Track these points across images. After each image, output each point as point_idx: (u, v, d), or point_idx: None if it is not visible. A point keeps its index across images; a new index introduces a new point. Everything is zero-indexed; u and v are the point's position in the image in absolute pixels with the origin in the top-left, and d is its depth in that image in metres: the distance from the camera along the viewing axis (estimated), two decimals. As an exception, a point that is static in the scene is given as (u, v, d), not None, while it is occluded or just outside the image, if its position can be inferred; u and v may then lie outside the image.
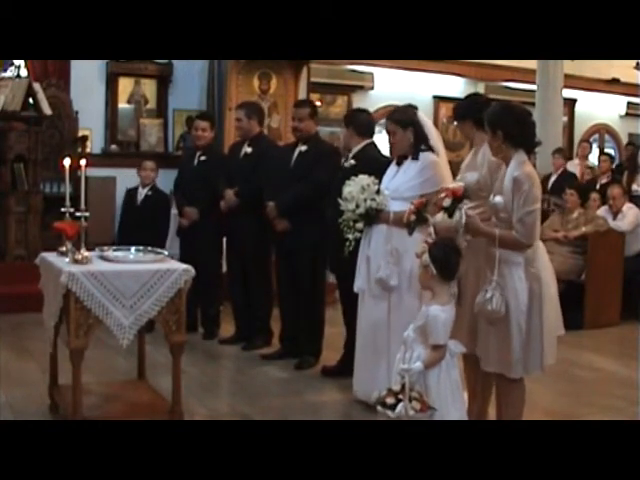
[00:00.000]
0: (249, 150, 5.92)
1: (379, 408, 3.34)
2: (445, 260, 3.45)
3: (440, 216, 3.76)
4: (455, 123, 4.32)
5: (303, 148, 5.51)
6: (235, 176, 5.90)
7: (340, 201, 4.42)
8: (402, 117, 4.46)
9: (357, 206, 4.32)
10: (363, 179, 4.38)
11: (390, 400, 3.30)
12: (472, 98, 4.42)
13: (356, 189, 4.34)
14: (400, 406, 3.26)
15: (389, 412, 3.28)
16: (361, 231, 4.42)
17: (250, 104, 6.31)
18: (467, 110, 4.11)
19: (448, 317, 3.42)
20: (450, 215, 3.63)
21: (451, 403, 3.39)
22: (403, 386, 3.29)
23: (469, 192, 3.74)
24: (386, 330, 4.36)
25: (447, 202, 3.65)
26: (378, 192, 4.33)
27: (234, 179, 5.90)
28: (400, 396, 3.28)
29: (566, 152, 9.68)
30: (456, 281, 3.52)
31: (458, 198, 3.65)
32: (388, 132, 4.49)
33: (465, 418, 3.55)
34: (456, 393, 3.44)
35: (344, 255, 4.51)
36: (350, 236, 4.42)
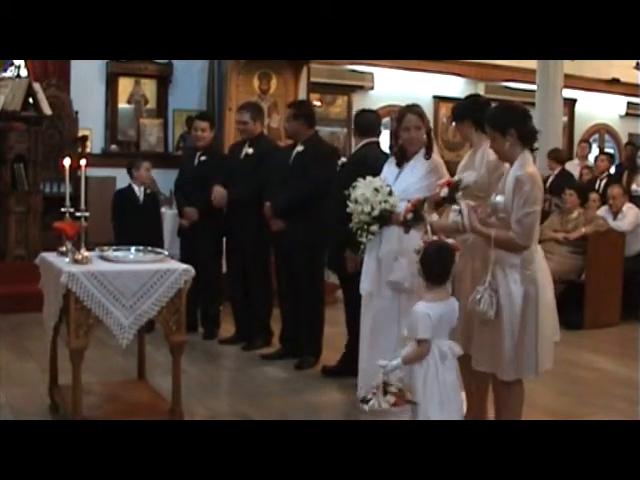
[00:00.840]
0: (250, 151, 5.92)
1: (359, 404, 3.34)
2: (428, 264, 3.41)
3: (436, 215, 3.76)
4: (454, 123, 4.30)
5: (300, 148, 5.53)
6: (235, 176, 5.90)
7: (350, 204, 4.34)
8: (425, 114, 4.44)
9: (372, 208, 4.27)
10: (373, 181, 4.32)
11: (369, 396, 3.30)
12: (471, 99, 4.41)
13: (369, 191, 4.28)
14: (373, 399, 3.26)
15: (364, 406, 3.27)
16: (374, 233, 4.36)
17: (253, 105, 6.31)
18: (466, 110, 4.10)
19: (432, 314, 3.34)
20: (451, 203, 3.62)
21: (438, 406, 3.30)
22: (384, 381, 3.29)
23: (464, 186, 3.72)
24: (396, 333, 4.31)
25: (444, 192, 3.64)
26: (390, 193, 4.29)
27: (234, 180, 5.90)
28: (374, 390, 3.28)
29: (561, 153, 9.62)
30: (450, 280, 3.52)
31: (453, 186, 3.63)
32: (409, 127, 4.35)
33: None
34: (446, 396, 3.33)
35: (360, 258, 4.51)
36: (364, 239, 4.37)
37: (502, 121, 3.57)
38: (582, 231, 7.22)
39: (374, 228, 4.30)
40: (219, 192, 5.93)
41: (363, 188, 4.29)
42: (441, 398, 3.33)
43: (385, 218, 4.27)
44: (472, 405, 3.94)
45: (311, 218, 5.35)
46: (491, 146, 3.68)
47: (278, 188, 5.48)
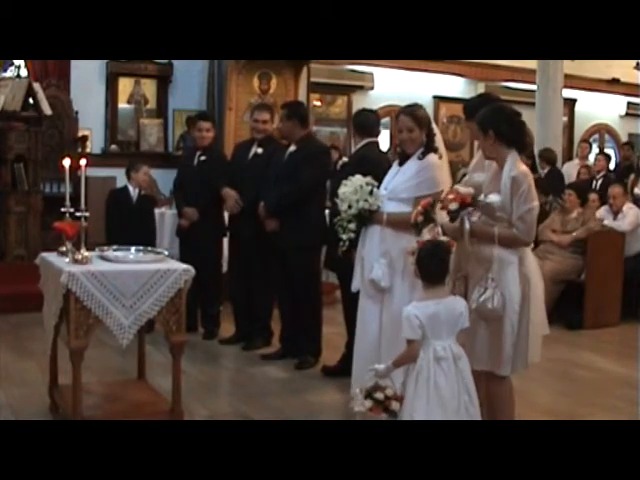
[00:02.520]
0: (260, 151, 5.89)
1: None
2: (424, 263, 3.37)
3: (445, 216, 3.75)
4: (465, 121, 4.27)
5: (293, 148, 5.54)
6: (242, 177, 5.87)
7: (337, 201, 4.41)
8: (422, 115, 4.42)
9: (349, 207, 4.31)
10: (359, 179, 4.35)
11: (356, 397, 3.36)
12: (485, 97, 4.38)
13: (350, 190, 4.33)
14: (354, 400, 3.31)
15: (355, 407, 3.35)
16: (354, 232, 4.39)
17: (269, 105, 6.35)
18: (480, 109, 4.06)
19: (420, 314, 3.26)
20: (452, 219, 3.61)
21: (424, 408, 3.21)
22: (375, 384, 3.30)
23: (477, 200, 3.71)
24: (377, 331, 4.33)
25: (454, 206, 3.61)
26: (371, 193, 4.31)
27: (239, 180, 5.88)
28: (357, 392, 3.33)
29: (551, 153, 9.61)
30: (462, 280, 3.51)
31: (465, 205, 3.62)
32: (401, 128, 4.34)
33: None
34: (437, 399, 3.21)
35: (340, 255, 4.52)
36: (344, 236, 4.41)
37: (484, 121, 3.63)
38: (573, 235, 7.18)
39: (352, 226, 4.34)
40: (231, 197, 5.88)
41: (348, 186, 4.35)
42: (429, 400, 3.22)
43: (364, 217, 4.30)
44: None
45: (307, 218, 5.36)
46: (479, 143, 3.72)
47: (272, 188, 5.49)
